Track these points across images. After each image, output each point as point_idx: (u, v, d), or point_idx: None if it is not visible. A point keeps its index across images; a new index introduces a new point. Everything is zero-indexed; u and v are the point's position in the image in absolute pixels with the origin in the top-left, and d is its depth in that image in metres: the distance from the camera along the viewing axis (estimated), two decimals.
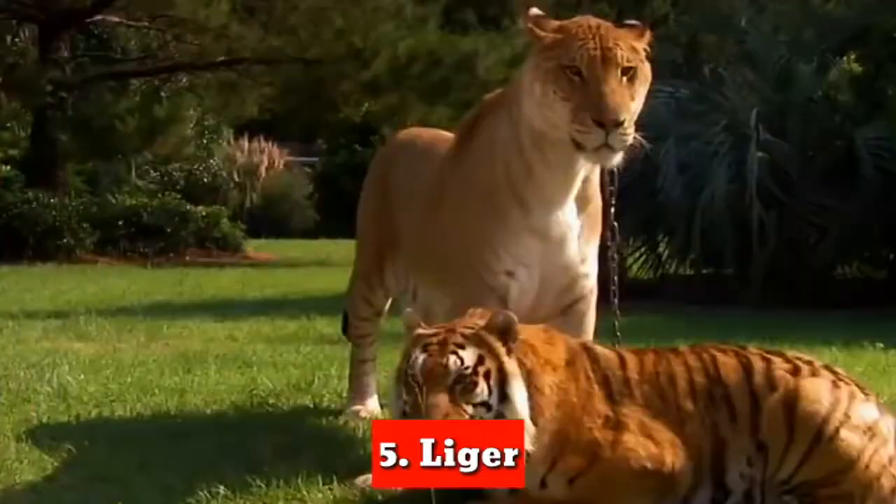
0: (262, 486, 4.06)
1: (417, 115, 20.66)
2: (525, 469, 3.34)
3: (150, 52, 23.98)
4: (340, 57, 21.35)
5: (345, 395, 5.85)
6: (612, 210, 4.65)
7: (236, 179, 33.53)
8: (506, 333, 3.58)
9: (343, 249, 21.98)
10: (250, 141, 34.68)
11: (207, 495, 3.97)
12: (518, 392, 3.53)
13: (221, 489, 4.01)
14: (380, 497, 3.94)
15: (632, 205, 12.31)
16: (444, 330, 3.63)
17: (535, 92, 4.09)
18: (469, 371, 3.49)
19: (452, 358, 3.51)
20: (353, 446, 4.88)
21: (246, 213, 31.07)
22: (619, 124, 3.89)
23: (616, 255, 4.77)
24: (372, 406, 5.60)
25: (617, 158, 4.03)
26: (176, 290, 14.15)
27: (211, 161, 32.05)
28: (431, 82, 21.32)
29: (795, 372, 3.75)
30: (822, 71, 14.07)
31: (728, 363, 3.79)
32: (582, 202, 4.37)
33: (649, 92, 4.18)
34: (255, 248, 24.50)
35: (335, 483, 4.11)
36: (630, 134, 3.94)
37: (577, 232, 4.36)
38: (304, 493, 4.01)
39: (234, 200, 31.93)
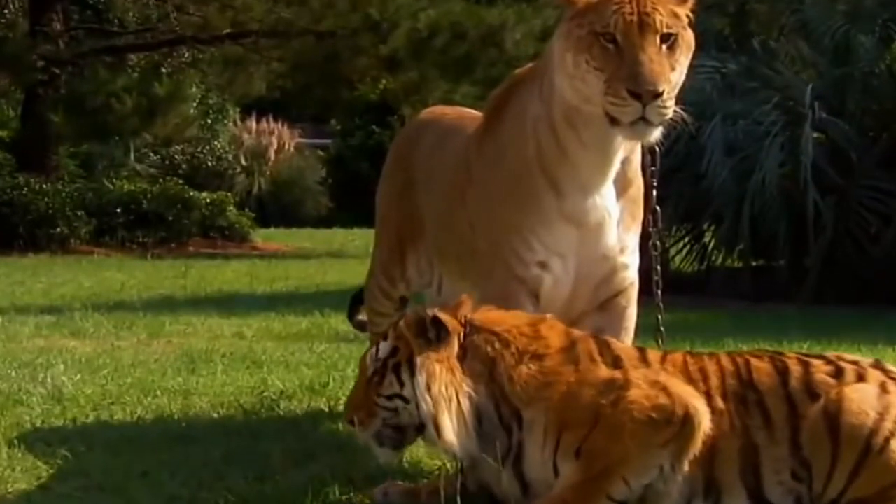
0: (273, 495, 4.07)
1: (439, 94, 20.65)
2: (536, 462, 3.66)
3: (150, 24, 24.07)
4: (356, 29, 21.34)
5: None
6: (654, 193, 4.64)
7: (243, 163, 33.58)
8: (420, 326, 3.76)
9: (359, 239, 22.03)
10: (258, 121, 34.73)
11: None
12: (422, 386, 3.69)
13: (229, 498, 4.03)
14: None
15: (674, 191, 12.30)
16: (401, 317, 3.97)
17: (566, 62, 4.07)
18: (380, 363, 3.80)
19: (372, 350, 3.86)
20: (372, 453, 4.89)
21: (254, 200, 31.15)
22: (658, 96, 3.86)
23: (658, 244, 4.76)
24: None
25: (656, 134, 4.01)
26: (178, 284, 14.19)
27: (215, 143, 32.14)
28: (455, 57, 21.27)
29: (838, 375, 3.75)
30: (884, 42, 13.97)
31: (762, 367, 3.81)
32: (621, 185, 4.34)
33: (692, 65, 4.16)
34: (264, 237, 24.55)
35: (352, 493, 4.13)
36: (670, 107, 3.91)
37: (617, 218, 4.33)
38: (318, 503, 4.02)
39: (240, 186, 32.00)
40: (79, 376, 6.67)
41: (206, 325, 9.59)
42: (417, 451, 4.70)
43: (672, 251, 14.20)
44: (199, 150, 31.27)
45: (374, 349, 3.84)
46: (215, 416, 5.75)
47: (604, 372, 3.74)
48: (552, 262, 4.30)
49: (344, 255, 20.16)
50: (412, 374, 3.72)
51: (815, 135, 12.82)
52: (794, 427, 3.69)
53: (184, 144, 29.82)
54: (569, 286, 4.33)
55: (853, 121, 13.27)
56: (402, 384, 3.74)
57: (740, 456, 3.69)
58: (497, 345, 3.79)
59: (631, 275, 4.46)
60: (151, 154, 30.39)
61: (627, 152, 4.30)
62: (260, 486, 4.17)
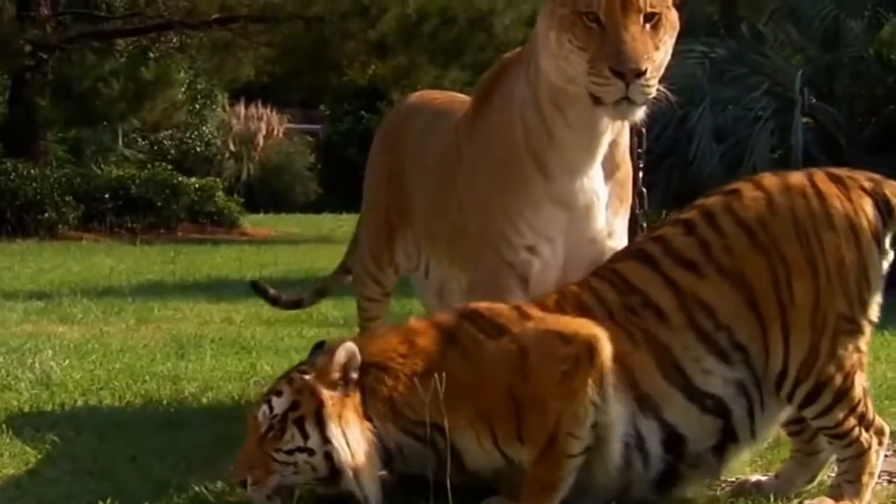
0: None
1: (429, 79, 20.62)
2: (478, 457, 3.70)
3: (138, 9, 23.97)
4: (345, 14, 21.30)
5: None
6: (641, 175, 4.64)
7: (232, 149, 33.52)
8: (345, 370, 3.74)
9: (348, 225, 21.98)
10: (247, 107, 34.66)
11: (203, 490, 3.99)
12: (336, 435, 3.67)
13: (218, 484, 4.04)
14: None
15: (663, 177, 12.31)
16: (286, 374, 3.87)
17: (549, 42, 4.06)
18: (277, 419, 3.74)
19: (263, 408, 3.77)
20: None
21: (242, 186, 31.13)
22: (641, 74, 3.85)
23: (645, 225, 4.76)
24: None
25: (639, 114, 4.01)
26: (167, 269, 14.18)
27: (204, 129, 32.07)
28: (444, 42, 21.25)
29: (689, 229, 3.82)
30: (873, 27, 13.98)
31: (631, 267, 3.85)
32: (609, 168, 4.33)
33: (680, 49, 4.15)
34: (253, 223, 24.53)
35: None
36: (653, 86, 3.91)
37: (605, 201, 4.32)
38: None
39: (229, 172, 31.97)
40: (67, 361, 6.67)
41: (194, 311, 9.58)
42: None
43: None
44: (187, 135, 31.21)
45: (264, 407, 3.76)
46: (204, 401, 5.76)
47: (493, 347, 3.73)
48: (541, 246, 4.29)
49: (333, 240, 20.13)
50: (320, 424, 3.68)
51: (805, 120, 12.82)
52: (686, 308, 3.73)
53: (172, 130, 29.72)
54: (557, 270, 4.31)
55: (842, 106, 13.28)
56: (306, 437, 3.68)
57: (656, 362, 3.71)
58: (387, 379, 3.77)
59: None
60: (140, 139, 30.33)
61: (615, 134, 4.29)
62: None
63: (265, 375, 6.27)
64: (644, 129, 4.43)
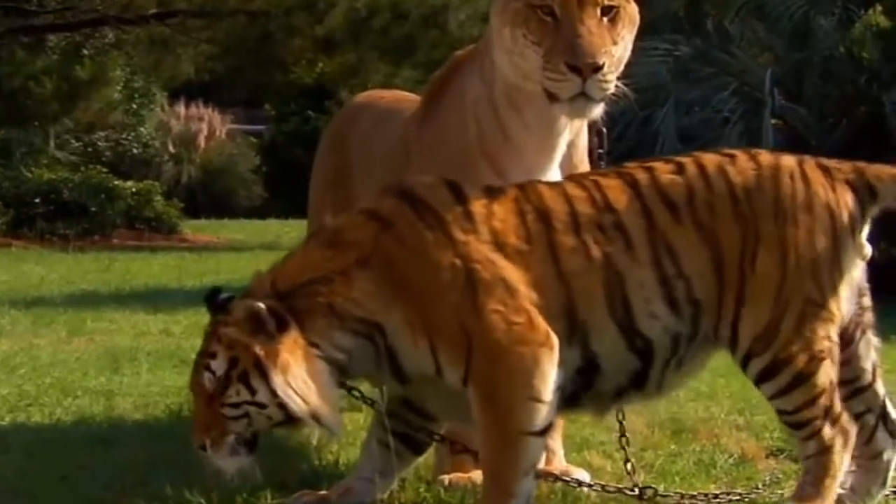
0: (201, 501, 4.06)
1: (379, 77, 20.64)
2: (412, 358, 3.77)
3: (71, 3, 23.81)
4: (290, 8, 21.28)
5: None
6: None
7: (171, 151, 33.35)
8: (256, 322, 3.72)
9: (294, 230, 21.94)
10: (187, 106, 34.50)
11: None
12: (281, 385, 3.70)
13: None
14: None
15: None
16: (211, 332, 3.84)
17: (503, 37, 4.08)
18: (221, 380, 3.76)
19: (206, 375, 3.78)
20: (307, 456, 4.89)
21: (182, 190, 30.93)
22: (598, 69, 3.89)
23: None
24: None
25: (597, 111, 4.04)
26: (102, 278, 14.11)
27: (141, 129, 31.83)
28: (395, 39, 21.26)
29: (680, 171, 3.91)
30: (844, 25, 14.10)
31: (614, 185, 3.89)
32: (567, 170, 4.33)
33: (643, 47, 4.18)
34: (194, 229, 24.44)
35: (286, 497, 4.12)
36: (611, 82, 3.94)
37: None
38: None
39: (168, 175, 31.80)
40: None
41: (130, 322, 9.55)
42: (354, 454, 4.72)
43: None
44: (123, 136, 30.97)
45: (205, 372, 3.77)
46: (140, 417, 5.74)
47: (435, 249, 3.76)
48: None
49: (279, 247, 20.04)
50: (264, 377, 3.71)
51: (774, 122, 12.91)
52: (654, 246, 3.80)
53: (107, 131, 29.50)
54: None
55: (812, 106, 13.38)
56: (253, 391, 3.72)
57: (605, 290, 3.76)
58: (320, 289, 3.79)
59: None
60: (73, 141, 30.06)
61: (573, 135, 4.32)
62: (187, 492, 4.14)
63: None
64: (605, 130, 4.45)
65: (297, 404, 3.71)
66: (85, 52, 23.65)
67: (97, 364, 7.22)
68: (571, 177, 4.05)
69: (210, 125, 34.60)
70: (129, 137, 31.13)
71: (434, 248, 3.76)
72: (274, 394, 3.70)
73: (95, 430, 5.44)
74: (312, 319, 3.78)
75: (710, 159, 3.98)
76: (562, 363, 3.72)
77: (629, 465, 4.32)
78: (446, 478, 4.32)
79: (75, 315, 9.80)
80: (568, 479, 4.27)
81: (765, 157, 3.98)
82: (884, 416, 4.04)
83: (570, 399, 3.84)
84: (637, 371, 3.84)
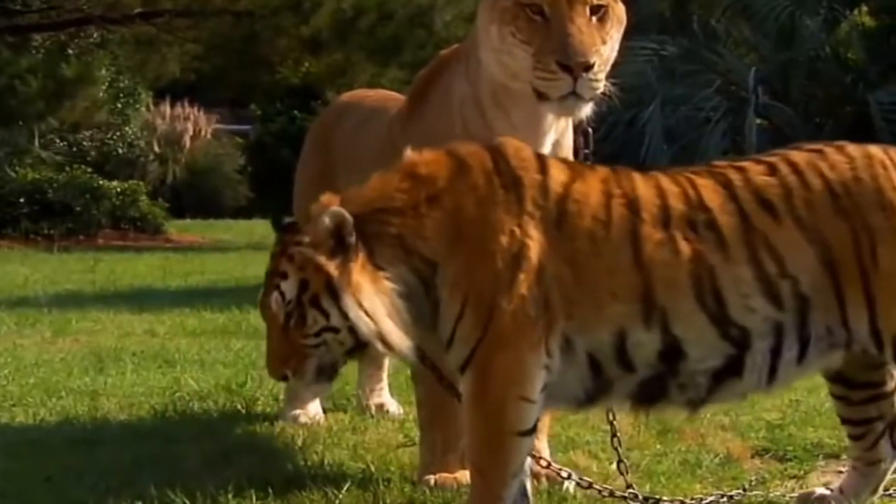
0: (186, 501, 4.06)
1: (365, 77, 20.62)
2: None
3: (56, 2, 23.77)
4: (276, 8, 21.27)
5: (281, 397, 5.85)
6: None
7: (156, 150, 33.31)
8: (338, 235, 3.65)
9: None
10: (172, 106, 34.45)
11: None
12: (353, 306, 3.62)
13: None
14: None
15: None
16: (280, 250, 3.76)
17: (491, 36, 4.08)
18: (293, 305, 3.66)
19: (274, 296, 3.69)
20: (292, 456, 4.88)
21: (168, 190, 30.91)
22: (589, 68, 3.89)
23: None
24: (313, 410, 5.58)
25: (586, 110, 4.05)
26: (86, 278, 14.08)
27: (127, 129, 31.77)
28: (381, 39, 21.25)
29: (773, 171, 3.84)
30: (829, 25, 14.15)
31: (708, 185, 3.84)
32: None
33: (630, 47, 4.19)
34: (179, 229, 24.44)
35: (270, 497, 4.11)
36: (601, 81, 3.95)
37: None
38: None
39: (153, 175, 31.75)
40: None
41: (115, 322, 9.53)
42: (339, 454, 4.72)
43: None
44: (109, 136, 30.90)
45: (275, 294, 3.69)
46: (125, 418, 5.73)
47: (500, 202, 3.71)
48: None
49: (264, 247, 20.02)
50: (336, 300, 3.63)
51: (759, 121, 12.96)
52: (752, 246, 3.74)
53: (93, 130, 29.44)
54: None
55: (798, 106, 13.43)
56: (327, 315, 3.64)
57: (692, 281, 3.71)
58: (392, 219, 3.73)
59: None
60: (58, 140, 29.98)
61: (558, 135, 4.32)
62: (172, 492, 4.14)
63: (190, 390, 6.25)
64: (590, 129, 4.45)
65: (367, 327, 3.62)
66: (70, 51, 23.65)
67: (82, 364, 7.20)
68: (666, 172, 3.99)
69: (196, 125, 34.56)
70: (115, 137, 31.06)
71: (500, 208, 3.70)
72: (346, 316, 3.62)
73: (80, 430, 5.43)
74: (381, 247, 3.71)
75: (800, 156, 3.89)
76: (639, 345, 3.70)
77: (622, 466, 4.30)
78: (432, 478, 4.32)
79: (60, 315, 9.77)
80: (578, 479, 4.23)
81: (853, 149, 3.91)
82: (892, 427, 4.03)
83: (656, 389, 3.78)
84: (732, 356, 3.74)
